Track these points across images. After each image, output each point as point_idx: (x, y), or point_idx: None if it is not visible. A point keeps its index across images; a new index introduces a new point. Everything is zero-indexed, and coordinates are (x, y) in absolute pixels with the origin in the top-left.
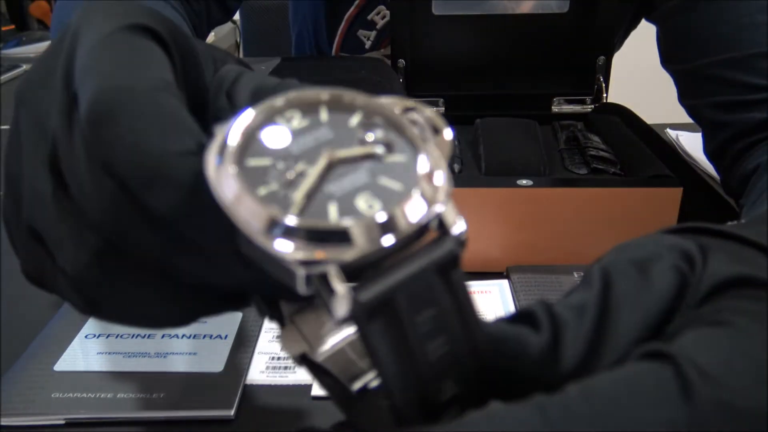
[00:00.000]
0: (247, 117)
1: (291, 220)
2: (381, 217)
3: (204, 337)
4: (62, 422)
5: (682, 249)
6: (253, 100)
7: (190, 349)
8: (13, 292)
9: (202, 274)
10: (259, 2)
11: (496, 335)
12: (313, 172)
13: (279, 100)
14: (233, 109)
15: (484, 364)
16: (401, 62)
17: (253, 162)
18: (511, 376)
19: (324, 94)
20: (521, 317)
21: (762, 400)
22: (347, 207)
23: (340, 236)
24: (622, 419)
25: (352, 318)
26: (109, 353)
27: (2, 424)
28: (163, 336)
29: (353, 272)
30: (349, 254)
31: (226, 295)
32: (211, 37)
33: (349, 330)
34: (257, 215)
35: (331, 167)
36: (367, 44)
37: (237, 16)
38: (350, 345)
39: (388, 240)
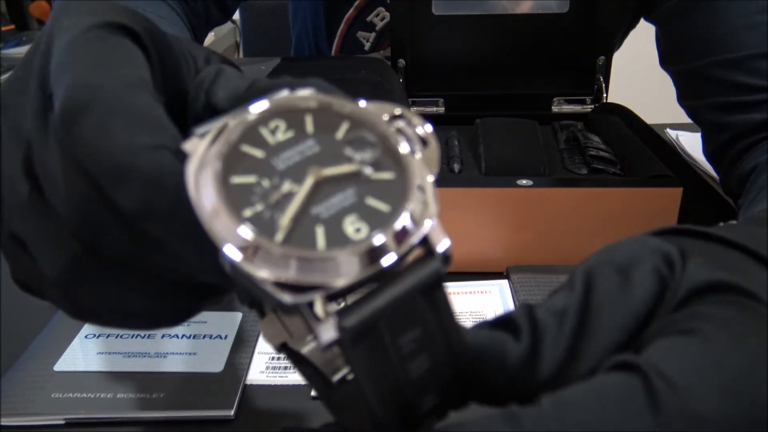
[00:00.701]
0: (230, 125)
1: (277, 248)
2: (368, 244)
3: (204, 337)
4: (62, 422)
5: (664, 253)
6: (231, 101)
7: (190, 349)
8: (13, 292)
9: (181, 271)
10: (259, 2)
11: (476, 345)
12: (300, 193)
13: (263, 108)
14: (211, 110)
15: (464, 375)
16: (401, 62)
17: (237, 179)
18: (490, 384)
19: (309, 101)
20: (502, 323)
21: (728, 409)
22: (335, 231)
23: (327, 265)
24: (592, 430)
25: (337, 343)
26: (109, 353)
27: (2, 424)
28: (163, 336)
29: (338, 294)
30: (335, 282)
31: (210, 286)
32: (211, 37)
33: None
34: (239, 238)
35: (317, 186)
36: (367, 46)
37: (237, 16)
38: None
39: (375, 266)
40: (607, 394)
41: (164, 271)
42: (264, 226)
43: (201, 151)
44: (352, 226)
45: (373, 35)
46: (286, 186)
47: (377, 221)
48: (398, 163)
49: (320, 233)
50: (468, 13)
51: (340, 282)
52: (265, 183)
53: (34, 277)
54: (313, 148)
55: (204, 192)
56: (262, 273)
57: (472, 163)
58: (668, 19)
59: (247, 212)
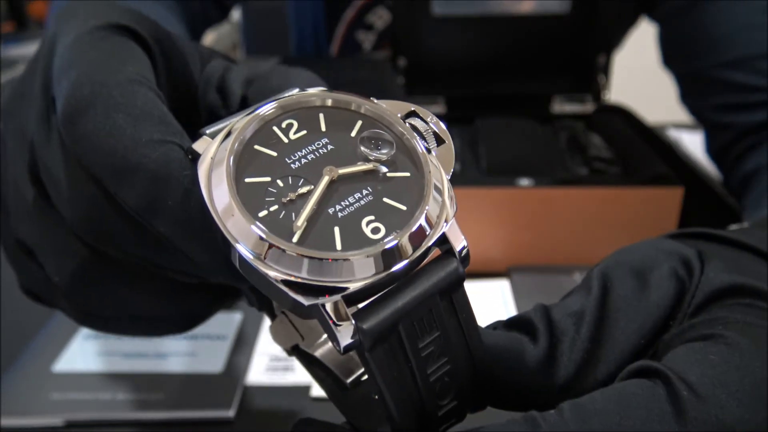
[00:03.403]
0: (242, 123)
1: (291, 248)
2: (386, 245)
3: (203, 337)
4: (61, 423)
5: (681, 255)
6: (246, 91)
7: (190, 349)
8: (12, 292)
9: (190, 273)
10: (259, 2)
11: (494, 348)
12: (315, 193)
13: (275, 107)
14: (226, 104)
15: (481, 377)
16: (401, 62)
17: (251, 180)
18: (508, 386)
19: (322, 99)
20: (519, 324)
21: (752, 416)
22: (352, 231)
23: (343, 266)
24: None
25: (355, 346)
26: (109, 354)
27: (1, 424)
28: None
29: (356, 297)
30: (353, 285)
31: (219, 289)
32: (211, 37)
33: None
34: (253, 236)
35: (333, 184)
36: (367, 47)
37: (237, 16)
38: None
39: (391, 268)
40: (629, 401)
41: (173, 273)
42: (279, 226)
43: (213, 150)
44: (369, 226)
45: (373, 36)
46: (301, 185)
47: (395, 221)
48: (414, 162)
49: (337, 233)
50: (468, 14)
51: (356, 284)
52: (280, 182)
53: (43, 286)
54: (328, 147)
55: (217, 191)
56: (276, 272)
57: (472, 163)
58: (670, 19)
59: (262, 213)
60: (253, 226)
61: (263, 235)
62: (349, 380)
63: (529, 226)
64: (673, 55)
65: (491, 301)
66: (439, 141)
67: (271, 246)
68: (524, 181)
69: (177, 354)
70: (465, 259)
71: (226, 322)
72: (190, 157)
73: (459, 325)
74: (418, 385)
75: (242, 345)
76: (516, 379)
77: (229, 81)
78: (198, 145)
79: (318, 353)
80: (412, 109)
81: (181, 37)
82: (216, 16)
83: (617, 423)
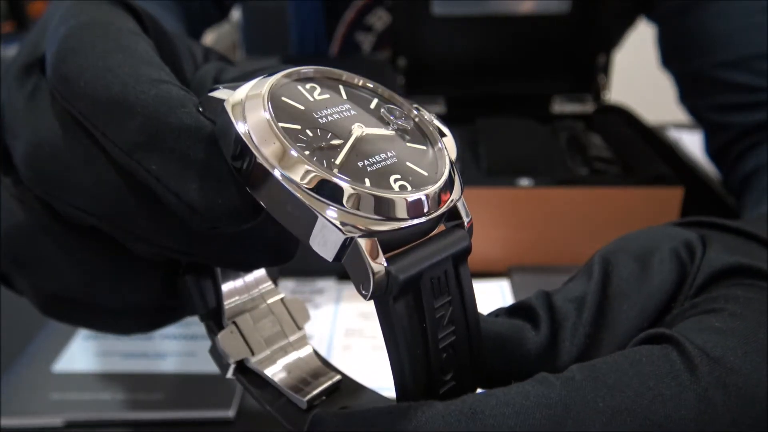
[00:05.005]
0: (267, 78)
1: (344, 182)
2: (417, 195)
3: (203, 338)
4: (61, 423)
5: (684, 238)
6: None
7: (190, 349)
8: (12, 293)
9: (147, 236)
10: (259, 2)
11: (495, 336)
12: (347, 144)
13: (299, 69)
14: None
15: (479, 362)
16: (401, 62)
17: (283, 125)
18: (510, 374)
19: (343, 74)
20: (520, 311)
21: (763, 378)
22: (382, 183)
23: (384, 204)
24: (627, 392)
25: (380, 294)
26: (108, 354)
27: (1, 425)
28: (162, 337)
29: (386, 243)
30: (387, 225)
31: (171, 278)
32: (211, 37)
33: (296, 335)
34: (304, 170)
35: (360, 141)
36: (366, 48)
37: (237, 16)
38: (299, 361)
39: (422, 217)
40: (641, 360)
41: (127, 235)
42: (318, 165)
43: (240, 93)
44: (396, 183)
45: (372, 37)
46: (332, 138)
47: (419, 182)
48: (429, 140)
49: (368, 182)
50: (468, 14)
51: (391, 225)
52: (310, 132)
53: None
54: (351, 111)
55: (253, 123)
56: (314, 202)
57: (472, 162)
58: (669, 19)
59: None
60: (305, 161)
61: (308, 165)
62: (306, 399)
63: (529, 226)
64: (672, 56)
65: (491, 301)
66: (441, 134)
67: (318, 179)
68: (524, 181)
69: (177, 354)
70: (469, 233)
71: None
72: (200, 110)
73: (462, 300)
74: (428, 348)
75: None
76: (518, 367)
77: (222, 82)
78: (218, 93)
79: (269, 372)
80: (415, 106)
81: (174, 34)
82: (216, 16)
83: (630, 379)
